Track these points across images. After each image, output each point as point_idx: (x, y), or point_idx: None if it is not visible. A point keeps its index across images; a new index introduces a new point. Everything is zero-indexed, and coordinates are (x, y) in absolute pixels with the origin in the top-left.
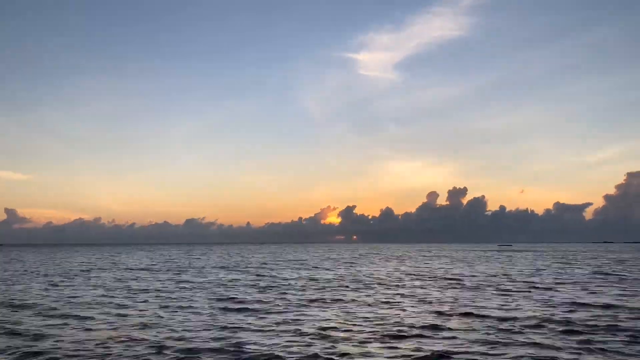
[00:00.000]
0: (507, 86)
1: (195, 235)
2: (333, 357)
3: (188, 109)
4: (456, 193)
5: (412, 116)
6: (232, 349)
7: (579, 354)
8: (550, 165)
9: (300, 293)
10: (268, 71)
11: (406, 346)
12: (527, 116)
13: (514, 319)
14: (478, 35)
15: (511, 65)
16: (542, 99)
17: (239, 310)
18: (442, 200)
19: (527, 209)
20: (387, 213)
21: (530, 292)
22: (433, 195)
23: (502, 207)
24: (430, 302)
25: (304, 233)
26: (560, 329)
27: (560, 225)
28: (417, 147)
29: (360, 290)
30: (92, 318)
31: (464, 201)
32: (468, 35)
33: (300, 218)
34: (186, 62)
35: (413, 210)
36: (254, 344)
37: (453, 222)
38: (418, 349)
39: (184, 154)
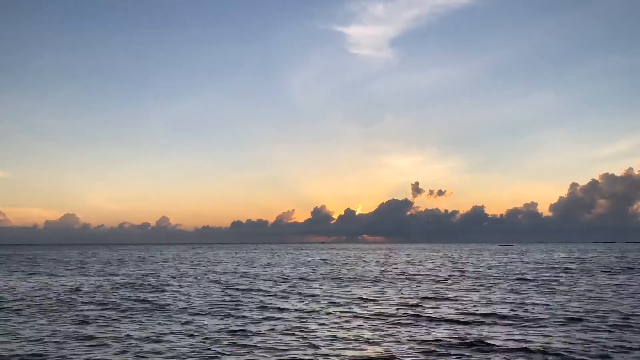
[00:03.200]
0: (519, 65)
1: (164, 236)
2: None
3: (158, 98)
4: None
5: (411, 103)
6: None
7: None
8: (560, 159)
9: None
10: (244, 49)
11: None
12: (538, 102)
13: None
14: (486, 4)
15: (524, 40)
16: (555, 82)
17: None
18: (424, 197)
19: (479, 205)
20: (349, 212)
21: None
22: (415, 191)
23: (456, 211)
24: None
25: (273, 233)
26: None
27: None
28: (417, 140)
29: None
30: None
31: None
32: (475, 4)
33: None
34: (155, 38)
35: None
36: None
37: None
38: None
39: (154, 148)
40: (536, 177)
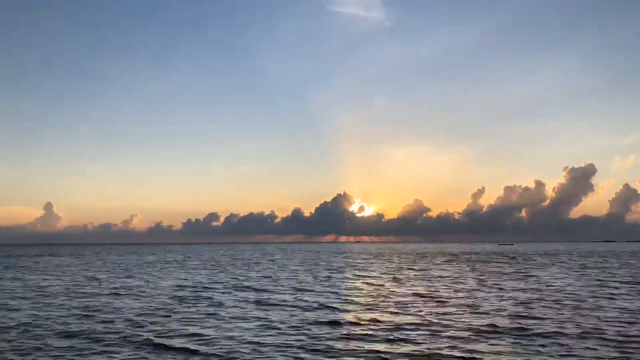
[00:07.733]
0: (532, 26)
1: (128, 236)
2: None
3: (116, 83)
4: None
5: (407, 80)
6: None
7: None
8: (575, 149)
9: None
10: (202, 10)
11: None
12: (551, 77)
13: None
14: None
15: None
16: (571, 52)
17: None
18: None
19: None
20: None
21: None
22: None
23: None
24: None
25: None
26: None
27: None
28: (414, 127)
29: None
30: None
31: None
32: None
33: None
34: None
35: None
36: None
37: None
38: None
39: (121, 142)
40: (552, 169)
